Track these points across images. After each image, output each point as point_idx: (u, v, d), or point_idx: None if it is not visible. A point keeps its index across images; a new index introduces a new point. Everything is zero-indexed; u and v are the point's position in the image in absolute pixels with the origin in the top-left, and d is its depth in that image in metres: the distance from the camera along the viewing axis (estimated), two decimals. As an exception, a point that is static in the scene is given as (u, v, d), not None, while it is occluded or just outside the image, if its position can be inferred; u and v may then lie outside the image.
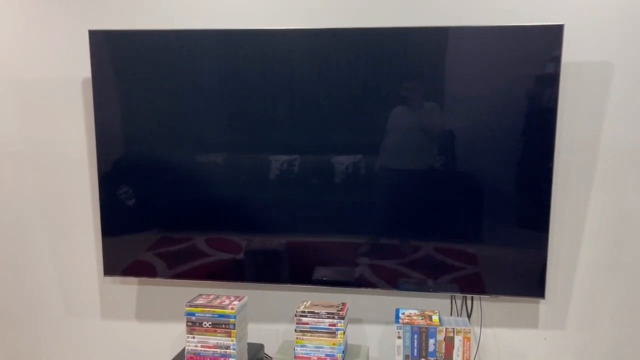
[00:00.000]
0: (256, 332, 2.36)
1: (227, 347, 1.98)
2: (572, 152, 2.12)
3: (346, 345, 2.11)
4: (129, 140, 2.24)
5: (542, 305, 2.22)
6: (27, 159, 2.44)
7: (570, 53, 2.07)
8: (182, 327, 2.42)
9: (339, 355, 2.04)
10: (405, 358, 2.01)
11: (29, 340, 2.55)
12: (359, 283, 2.18)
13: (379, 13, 2.17)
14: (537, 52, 1.97)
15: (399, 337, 2.01)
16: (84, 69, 2.31)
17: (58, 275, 2.49)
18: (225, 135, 2.17)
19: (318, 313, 2.05)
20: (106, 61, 2.19)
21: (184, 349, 2.16)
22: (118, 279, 2.44)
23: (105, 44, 2.18)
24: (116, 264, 2.30)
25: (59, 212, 2.45)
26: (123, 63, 2.19)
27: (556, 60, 1.96)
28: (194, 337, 2.00)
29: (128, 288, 2.46)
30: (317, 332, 2.05)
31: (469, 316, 2.22)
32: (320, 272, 2.20)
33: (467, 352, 1.99)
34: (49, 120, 2.41)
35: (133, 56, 2.17)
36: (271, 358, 2.18)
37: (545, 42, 1.96)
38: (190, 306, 2.00)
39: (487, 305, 2.23)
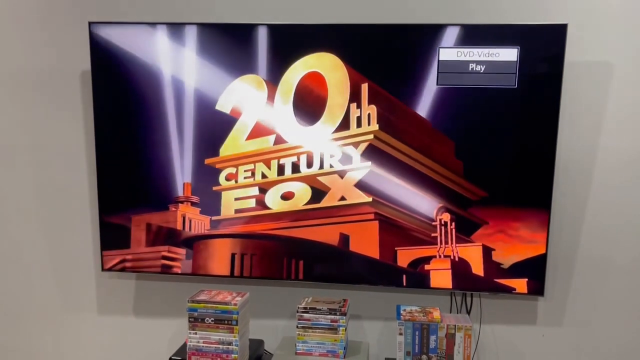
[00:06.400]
0: (254, 328, 2.35)
1: (230, 343, 1.97)
2: (573, 150, 2.14)
3: (347, 341, 2.11)
4: (128, 133, 2.22)
5: (541, 303, 2.24)
6: (24, 152, 2.41)
7: (570, 52, 2.07)
8: (180, 322, 2.40)
9: (340, 351, 2.05)
10: (407, 354, 2.02)
11: (24, 335, 2.52)
12: (359, 280, 2.19)
13: (380, 10, 2.17)
14: (540, 51, 1.98)
15: (400, 334, 2.02)
16: (84, 61, 2.26)
17: (54, 270, 2.46)
18: (225, 129, 2.16)
19: (320, 309, 2.05)
20: (106, 53, 2.16)
21: (183, 345, 2.15)
22: (115, 273, 2.41)
23: (105, 35, 2.15)
24: (114, 258, 2.27)
25: (56, 205, 2.42)
26: (123, 55, 2.16)
27: (559, 59, 1.97)
28: (196, 333, 1.99)
29: (125, 283, 2.44)
30: (319, 328, 2.06)
31: (468, 313, 2.23)
32: (318, 269, 2.19)
33: (468, 348, 2.00)
34: (47, 113, 2.37)
35: (134, 48, 2.14)
36: (271, 354, 2.18)
37: (549, 41, 1.97)
38: (193, 302, 1.99)
39: (486, 302, 2.25)
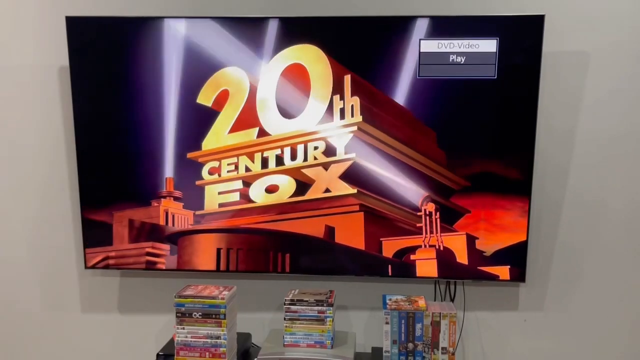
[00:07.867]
0: (241, 322, 2.35)
1: (218, 337, 1.97)
2: (551, 139, 2.18)
3: (334, 332, 2.13)
4: (109, 129, 2.19)
5: (522, 288, 2.29)
6: (2, 149, 2.36)
7: (548, 43, 2.11)
8: (166, 318, 2.39)
9: (328, 342, 2.06)
10: (393, 343, 2.05)
11: (5, 335, 2.47)
12: (345, 271, 2.21)
13: (362, 2, 2.18)
14: (518, 42, 2.02)
15: (386, 323, 2.04)
16: (61, 57, 2.22)
17: (36, 269, 2.42)
18: (207, 123, 2.15)
19: (307, 301, 2.06)
20: (84, 49, 2.13)
21: (170, 341, 2.14)
22: (99, 271, 2.38)
23: (83, 30, 2.12)
24: (97, 255, 2.25)
25: (37, 203, 2.38)
26: (102, 51, 2.13)
27: (537, 49, 2.00)
28: (183, 328, 1.99)
29: (109, 280, 2.42)
30: (306, 319, 2.07)
31: (452, 300, 2.27)
32: (304, 261, 2.20)
33: (453, 335, 2.04)
34: (24, 110, 2.32)
35: (112, 43, 2.12)
36: (259, 347, 2.18)
37: (527, 32, 2.01)
38: (180, 297, 1.98)
39: (469, 290, 2.29)
